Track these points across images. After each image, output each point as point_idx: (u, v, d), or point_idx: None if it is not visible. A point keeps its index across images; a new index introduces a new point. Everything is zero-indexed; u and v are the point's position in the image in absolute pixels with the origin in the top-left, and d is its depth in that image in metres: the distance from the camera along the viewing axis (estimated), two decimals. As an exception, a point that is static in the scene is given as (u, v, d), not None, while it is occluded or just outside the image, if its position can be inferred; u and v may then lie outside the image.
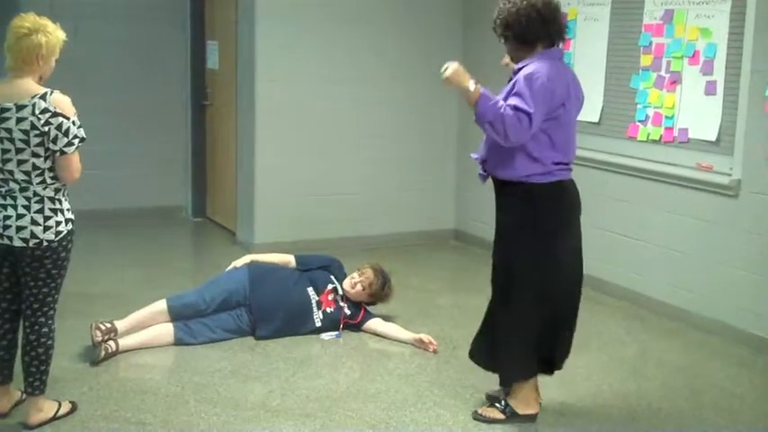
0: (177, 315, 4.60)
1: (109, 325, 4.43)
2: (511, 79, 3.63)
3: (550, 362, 3.88)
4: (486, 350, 3.86)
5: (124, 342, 4.42)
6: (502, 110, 3.46)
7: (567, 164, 3.66)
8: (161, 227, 7.29)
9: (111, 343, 4.36)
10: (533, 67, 3.53)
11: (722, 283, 5.04)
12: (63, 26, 3.51)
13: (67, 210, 3.52)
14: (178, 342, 4.55)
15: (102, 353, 4.30)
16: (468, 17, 6.79)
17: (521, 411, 3.81)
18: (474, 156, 3.78)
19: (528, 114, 3.44)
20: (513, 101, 3.49)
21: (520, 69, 3.59)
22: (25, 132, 3.35)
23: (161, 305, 4.59)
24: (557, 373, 4.07)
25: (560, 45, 3.71)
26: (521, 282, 3.66)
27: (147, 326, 4.53)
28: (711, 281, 5.10)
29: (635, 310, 5.49)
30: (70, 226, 3.52)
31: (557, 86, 3.52)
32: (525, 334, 3.72)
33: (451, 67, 3.58)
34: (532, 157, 3.55)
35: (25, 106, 3.34)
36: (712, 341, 4.99)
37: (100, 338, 4.35)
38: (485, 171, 3.74)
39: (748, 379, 4.50)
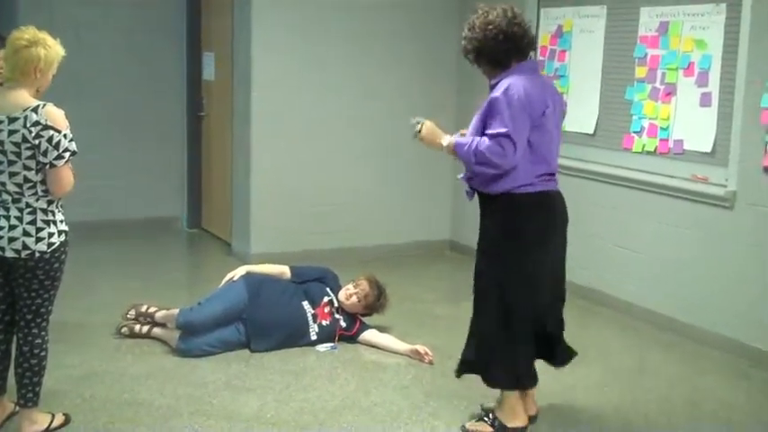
0: (180, 328, 4.65)
1: (144, 310, 4.88)
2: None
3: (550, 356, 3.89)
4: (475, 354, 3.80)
5: (142, 329, 4.82)
6: (480, 147, 3.48)
7: (551, 174, 3.66)
8: (156, 237, 7.27)
9: (137, 326, 4.82)
10: (508, 81, 3.53)
11: (718, 294, 5.03)
12: (63, 37, 3.50)
13: (61, 221, 3.50)
14: (177, 351, 4.59)
15: (125, 330, 4.82)
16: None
17: (509, 424, 3.78)
18: (461, 176, 3.79)
19: (507, 136, 3.45)
20: (489, 130, 3.50)
21: (495, 85, 3.60)
22: (17, 145, 3.33)
23: (175, 312, 4.71)
24: (553, 383, 4.08)
25: (533, 56, 3.71)
26: (507, 290, 3.64)
27: (162, 324, 4.83)
28: (707, 292, 5.10)
29: (630, 322, 5.48)
30: (63, 237, 3.50)
31: (534, 97, 3.52)
32: (517, 340, 3.70)
33: (424, 128, 3.64)
34: (516, 171, 3.54)
35: (17, 119, 3.33)
36: (709, 353, 4.98)
37: (134, 316, 4.87)
38: (471, 188, 3.75)
39: (746, 390, 4.49)
